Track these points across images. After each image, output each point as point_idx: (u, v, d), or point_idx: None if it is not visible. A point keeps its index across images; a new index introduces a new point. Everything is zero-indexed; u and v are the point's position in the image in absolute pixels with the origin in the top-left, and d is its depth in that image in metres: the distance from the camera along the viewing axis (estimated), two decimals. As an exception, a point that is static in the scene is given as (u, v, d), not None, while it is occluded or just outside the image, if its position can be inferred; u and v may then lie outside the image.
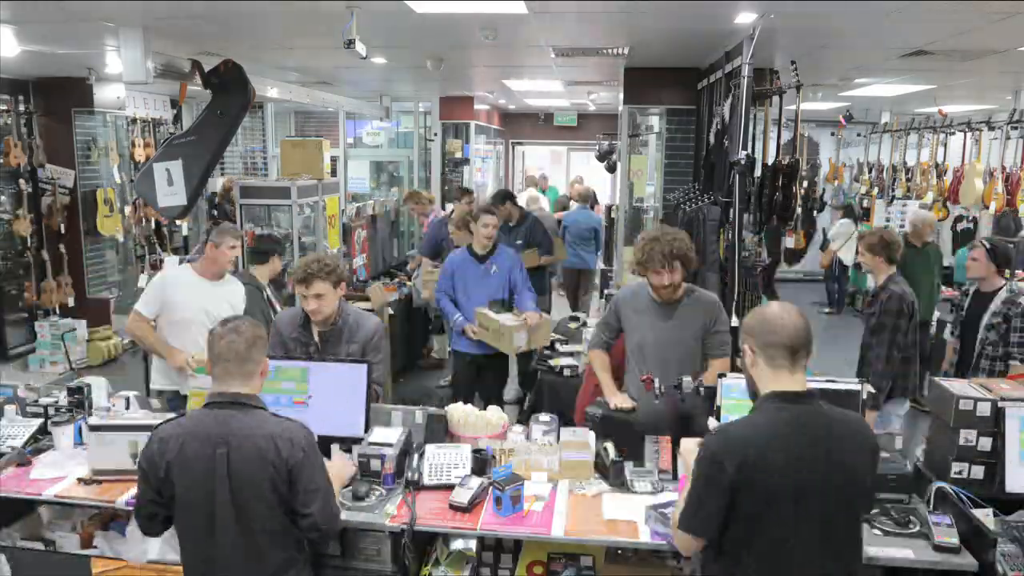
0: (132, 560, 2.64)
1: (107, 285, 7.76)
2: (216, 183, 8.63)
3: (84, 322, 7.21)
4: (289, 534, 2.19)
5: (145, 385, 4.29)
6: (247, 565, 2.14)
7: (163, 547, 2.62)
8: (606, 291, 7.14)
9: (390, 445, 2.79)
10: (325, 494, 2.20)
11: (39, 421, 3.09)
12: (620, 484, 2.79)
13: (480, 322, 4.61)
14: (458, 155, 11.21)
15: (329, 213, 5.62)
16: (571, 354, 4.91)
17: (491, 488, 2.64)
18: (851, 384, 2.74)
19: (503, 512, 2.61)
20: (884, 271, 4.05)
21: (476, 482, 2.66)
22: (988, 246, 4.31)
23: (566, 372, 4.70)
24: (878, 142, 10.21)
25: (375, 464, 2.73)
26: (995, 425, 2.54)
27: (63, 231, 7.22)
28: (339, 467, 2.66)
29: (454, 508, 2.59)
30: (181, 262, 6.02)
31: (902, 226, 8.31)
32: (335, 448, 2.86)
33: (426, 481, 2.73)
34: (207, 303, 3.88)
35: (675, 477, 2.83)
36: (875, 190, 9.78)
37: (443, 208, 8.77)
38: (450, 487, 2.70)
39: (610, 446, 3.00)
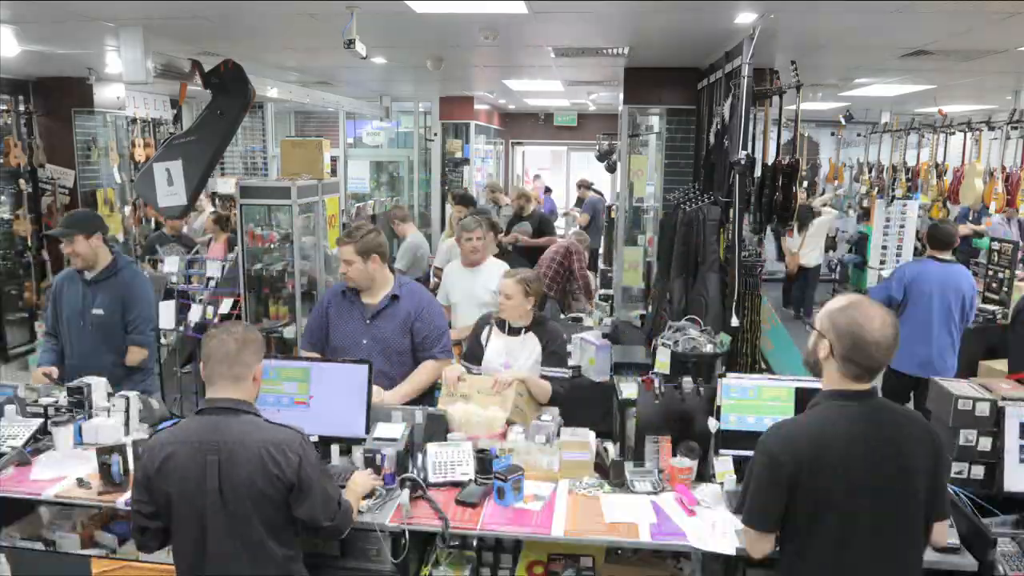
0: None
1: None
2: (216, 183, 8.64)
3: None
4: (283, 543, 2.16)
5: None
6: (239, 574, 2.12)
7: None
8: (604, 291, 7.15)
9: (394, 440, 2.80)
10: (324, 496, 2.18)
11: (39, 421, 3.09)
12: (620, 484, 2.79)
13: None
14: (458, 155, 11.21)
15: (329, 213, 5.61)
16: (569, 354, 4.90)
17: (493, 479, 2.66)
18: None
19: (505, 502, 2.63)
20: None
21: (480, 490, 2.69)
22: None
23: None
24: (878, 142, 10.21)
25: (379, 459, 2.74)
26: (995, 425, 2.54)
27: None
28: (360, 481, 2.62)
29: (461, 504, 2.62)
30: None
31: (902, 226, 8.32)
32: (357, 461, 2.85)
33: (431, 479, 2.74)
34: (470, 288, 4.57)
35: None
36: (875, 190, 9.78)
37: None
38: (455, 485, 2.71)
39: (610, 446, 3.00)
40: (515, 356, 3.56)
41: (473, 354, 3.67)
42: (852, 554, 1.95)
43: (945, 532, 2.17)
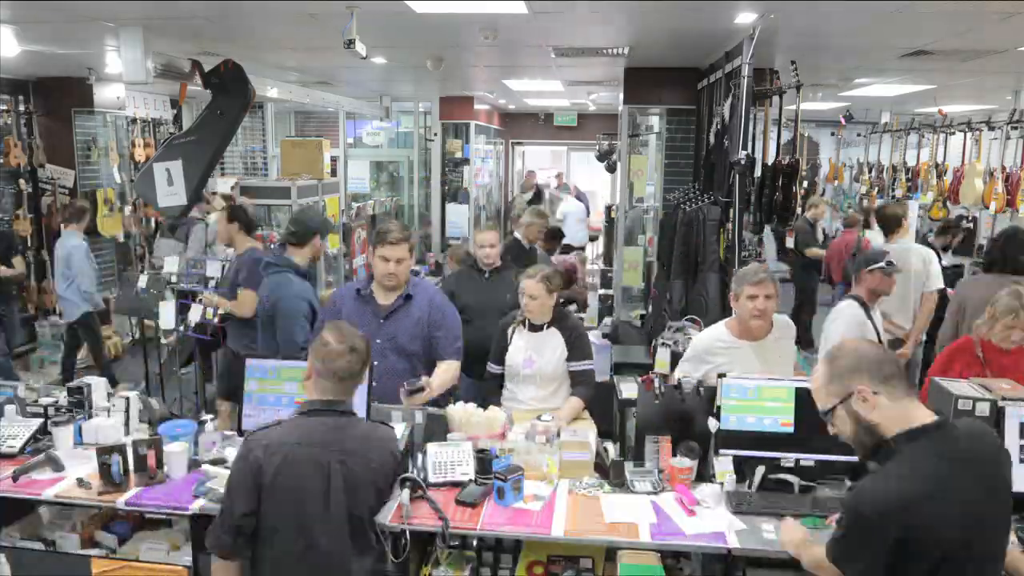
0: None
1: (107, 285, 7.76)
2: (216, 183, 8.64)
3: (84, 322, 7.21)
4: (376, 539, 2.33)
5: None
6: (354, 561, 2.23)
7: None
8: (604, 291, 7.15)
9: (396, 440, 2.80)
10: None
11: (39, 421, 3.08)
12: (620, 484, 2.79)
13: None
14: (458, 155, 11.21)
15: (329, 213, 5.62)
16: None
17: (493, 479, 2.66)
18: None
19: (505, 502, 2.63)
20: None
21: (479, 490, 2.68)
22: None
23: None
24: (878, 142, 10.22)
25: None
26: (995, 425, 2.54)
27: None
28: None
29: (461, 503, 2.62)
30: (182, 260, 6.02)
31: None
32: None
33: (431, 479, 2.74)
34: None
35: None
36: (875, 190, 9.78)
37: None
38: (455, 484, 2.71)
39: (610, 446, 3.00)
40: (540, 352, 3.59)
41: (498, 354, 3.69)
42: None
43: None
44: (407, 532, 2.50)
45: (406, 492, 2.59)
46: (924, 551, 1.67)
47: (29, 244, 7.14)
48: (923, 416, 1.77)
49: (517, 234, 5.58)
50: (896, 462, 1.74)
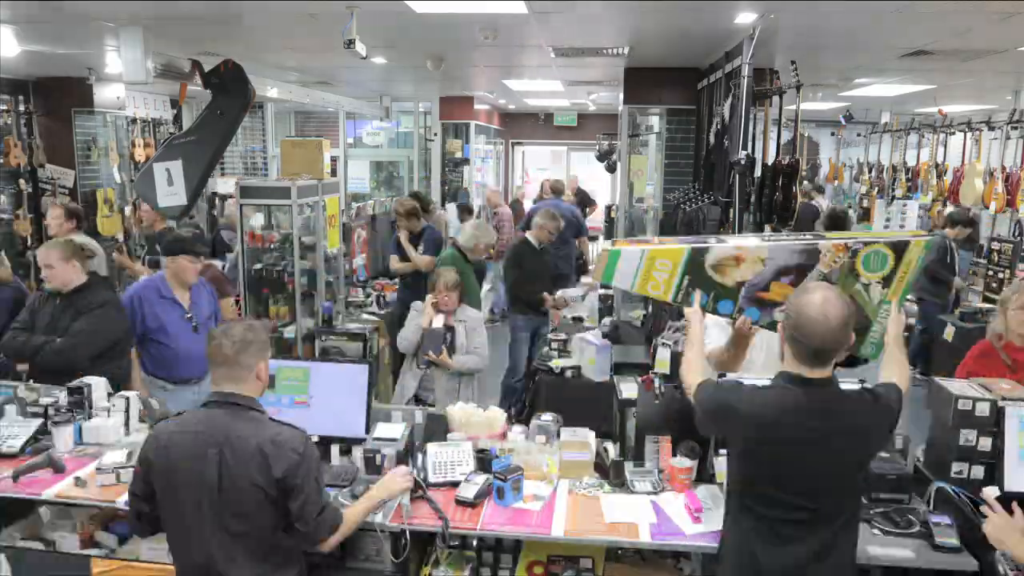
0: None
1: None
2: (216, 183, 8.64)
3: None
4: (277, 543, 2.16)
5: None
6: (232, 568, 2.10)
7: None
8: (604, 291, 7.14)
9: (394, 440, 2.80)
10: (312, 500, 2.14)
11: (39, 421, 3.08)
12: (620, 484, 2.79)
13: None
14: (458, 155, 11.21)
15: (329, 213, 5.61)
16: (571, 354, 4.91)
17: (492, 479, 2.66)
18: (850, 384, 2.74)
19: (505, 502, 2.63)
20: None
21: (482, 478, 2.67)
22: None
23: (568, 373, 4.68)
24: (878, 142, 10.22)
25: (379, 459, 2.74)
26: (995, 425, 2.54)
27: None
28: (389, 484, 2.52)
29: (461, 503, 2.61)
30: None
31: (902, 226, 8.32)
32: (357, 461, 2.85)
33: (431, 479, 2.74)
34: None
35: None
36: (875, 190, 9.79)
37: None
38: (455, 484, 2.71)
39: (610, 446, 3.00)
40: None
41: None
42: (770, 529, 2.09)
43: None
44: (407, 532, 2.50)
45: (407, 494, 2.59)
46: (736, 447, 2.17)
47: (29, 244, 7.14)
48: (811, 375, 2.05)
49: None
50: (761, 389, 2.14)
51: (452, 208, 10.96)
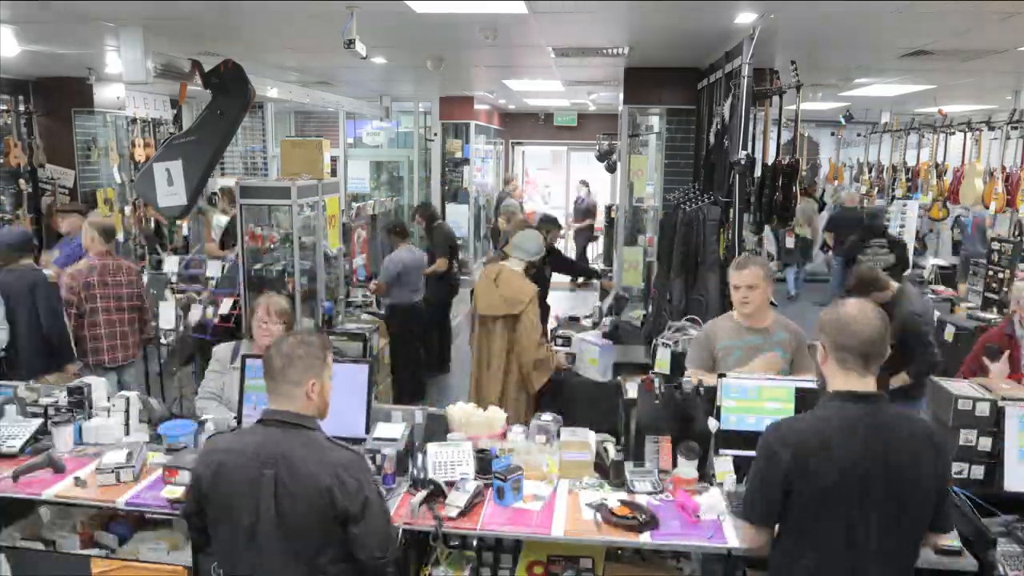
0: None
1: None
2: (216, 183, 8.64)
3: (84, 322, 7.20)
4: (334, 564, 2.06)
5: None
6: None
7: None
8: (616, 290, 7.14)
9: (394, 440, 2.80)
10: (381, 525, 2.10)
11: (39, 421, 3.08)
12: (620, 484, 2.79)
13: None
14: (458, 155, 11.22)
15: (329, 213, 5.62)
16: (571, 355, 4.90)
17: (493, 479, 2.66)
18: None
19: (505, 502, 2.63)
20: None
21: (472, 485, 2.65)
22: None
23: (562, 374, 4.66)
24: (878, 142, 10.22)
25: (379, 459, 2.73)
26: (995, 425, 2.54)
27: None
28: None
29: (448, 517, 2.54)
30: (182, 262, 6.03)
31: (902, 226, 8.33)
32: (388, 461, 2.81)
33: (427, 483, 2.73)
34: None
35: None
36: (875, 190, 9.79)
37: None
38: (455, 484, 2.70)
39: (610, 446, 3.00)
40: None
41: None
42: (849, 553, 1.97)
43: (944, 543, 2.15)
44: (401, 530, 2.50)
45: (422, 493, 2.59)
46: (802, 491, 1.98)
47: (29, 244, 7.13)
48: (863, 387, 2.00)
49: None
50: (814, 411, 2.08)
51: (451, 208, 10.98)
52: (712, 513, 2.58)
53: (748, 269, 3.23)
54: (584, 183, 12.91)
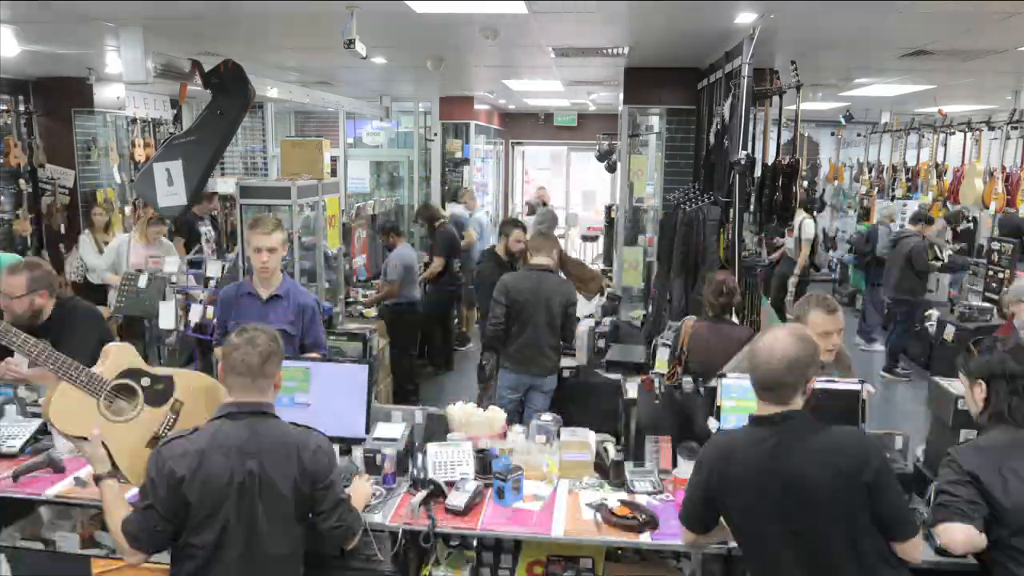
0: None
1: (107, 285, 7.76)
2: (216, 183, 8.64)
3: (84, 322, 7.19)
4: (294, 541, 2.19)
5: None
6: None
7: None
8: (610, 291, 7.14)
9: (394, 440, 2.80)
10: (340, 494, 2.23)
11: (39, 421, 3.08)
12: (620, 484, 2.79)
13: None
14: (458, 155, 11.20)
15: (329, 213, 5.62)
16: (571, 354, 4.90)
17: (493, 479, 2.66)
18: (851, 384, 2.74)
19: (505, 502, 2.63)
20: None
21: (472, 485, 2.66)
22: None
23: (565, 373, 4.66)
24: (878, 142, 10.22)
25: (380, 459, 2.74)
26: (995, 425, 2.53)
27: (63, 231, 7.21)
28: (360, 489, 2.56)
29: (451, 512, 2.57)
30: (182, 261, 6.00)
31: (902, 226, 8.33)
32: (357, 461, 2.85)
33: (427, 483, 2.73)
34: None
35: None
36: (875, 190, 9.79)
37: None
38: (454, 484, 2.71)
39: (610, 446, 3.00)
40: None
41: None
42: (781, 569, 2.05)
43: (916, 551, 2.07)
44: (401, 531, 2.50)
45: (422, 493, 2.59)
46: (725, 504, 2.14)
47: (29, 244, 7.14)
48: (768, 411, 2.10)
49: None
50: (736, 432, 2.21)
51: (451, 207, 10.96)
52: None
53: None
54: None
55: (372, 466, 2.75)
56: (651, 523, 2.49)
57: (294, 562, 2.21)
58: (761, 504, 2.04)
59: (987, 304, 6.47)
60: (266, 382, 2.19)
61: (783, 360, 2.04)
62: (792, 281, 7.56)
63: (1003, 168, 7.22)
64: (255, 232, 3.42)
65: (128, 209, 7.76)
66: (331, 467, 2.19)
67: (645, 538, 2.47)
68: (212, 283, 5.56)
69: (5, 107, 7.01)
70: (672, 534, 2.47)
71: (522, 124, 14.51)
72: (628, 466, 2.84)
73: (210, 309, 5.47)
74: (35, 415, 3.13)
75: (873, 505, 1.98)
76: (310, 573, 2.33)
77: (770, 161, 4.85)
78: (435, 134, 10.73)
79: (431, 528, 2.48)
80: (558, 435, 3.01)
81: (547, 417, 3.11)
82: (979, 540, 2.10)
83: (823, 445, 2.02)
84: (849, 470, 1.97)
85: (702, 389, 3.02)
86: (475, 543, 2.75)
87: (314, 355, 3.40)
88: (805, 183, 10.09)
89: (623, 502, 2.59)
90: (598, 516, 2.53)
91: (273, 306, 3.52)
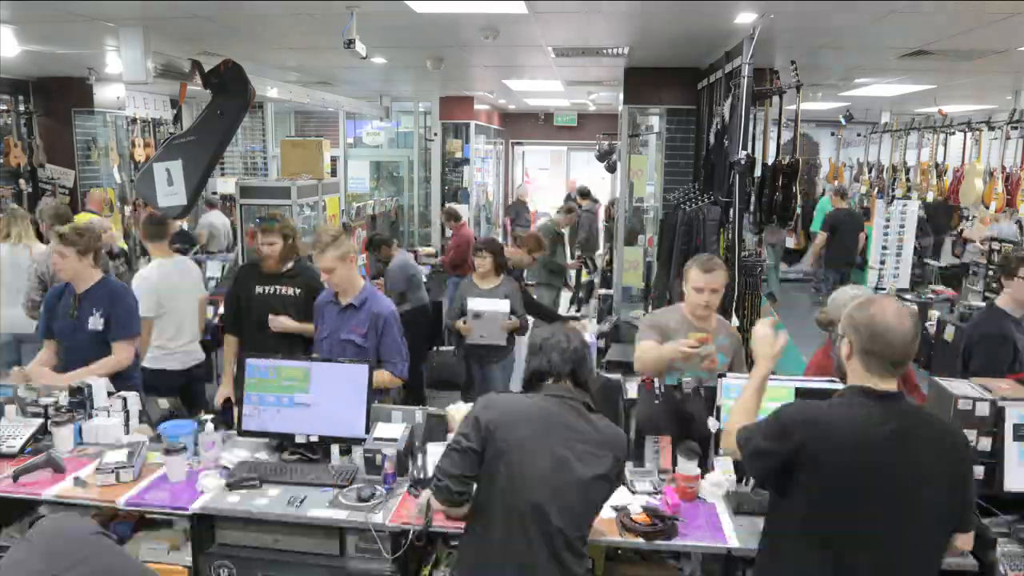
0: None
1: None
2: (216, 183, 8.65)
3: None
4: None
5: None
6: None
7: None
8: (604, 291, 7.15)
9: (394, 440, 2.80)
10: None
11: (39, 421, 3.09)
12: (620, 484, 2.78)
13: None
14: (458, 155, 11.21)
15: (329, 213, 5.63)
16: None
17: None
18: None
19: None
20: None
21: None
22: None
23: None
24: (878, 142, 10.22)
25: (380, 459, 2.73)
26: (995, 425, 2.54)
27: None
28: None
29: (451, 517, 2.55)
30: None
31: (902, 226, 8.33)
32: (357, 461, 2.86)
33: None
34: None
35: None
36: (875, 190, 9.78)
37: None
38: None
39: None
40: None
41: None
42: (851, 549, 1.89)
43: (969, 542, 2.06)
44: (403, 530, 2.50)
45: (427, 492, 2.59)
46: (811, 475, 1.91)
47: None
48: (884, 386, 1.95)
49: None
50: (833, 401, 2.00)
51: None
52: (718, 490, 2.58)
53: (715, 273, 3.08)
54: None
55: (372, 466, 2.75)
56: (670, 531, 2.48)
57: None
58: (867, 483, 1.88)
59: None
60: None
61: (911, 332, 1.93)
62: None
63: (1003, 168, 7.22)
64: (312, 251, 3.50)
65: (128, 209, 7.76)
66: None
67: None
68: (212, 283, 5.56)
69: (5, 107, 7.01)
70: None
71: (522, 124, 14.51)
72: (628, 466, 2.84)
73: (210, 309, 5.46)
74: (35, 415, 3.13)
75: (961, 493, 1.94)
76: (311, 572, 2.32)
77: (770, 161, 4.85)
78: (435, 134, 10.73)
79: (425, 528, 2.48)
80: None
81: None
82: None
83: (933, 431, 1.94)
84: (953, 459, 1.92)
85: (702, 389, 3.02)
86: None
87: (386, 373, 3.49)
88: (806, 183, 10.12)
89: (644, 508, 2.57)
90: (621, 522, 2.52)
91: (349, 316, 3.55)
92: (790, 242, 10.29)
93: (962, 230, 9.10)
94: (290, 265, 4.07)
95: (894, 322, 1.92)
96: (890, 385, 1.96)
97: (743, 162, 4.52)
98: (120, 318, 3.62)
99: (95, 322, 3.57)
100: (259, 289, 4.06)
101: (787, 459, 1.93)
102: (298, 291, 4.03)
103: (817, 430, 1.92)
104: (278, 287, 4.04)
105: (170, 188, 5.04)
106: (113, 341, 3.59)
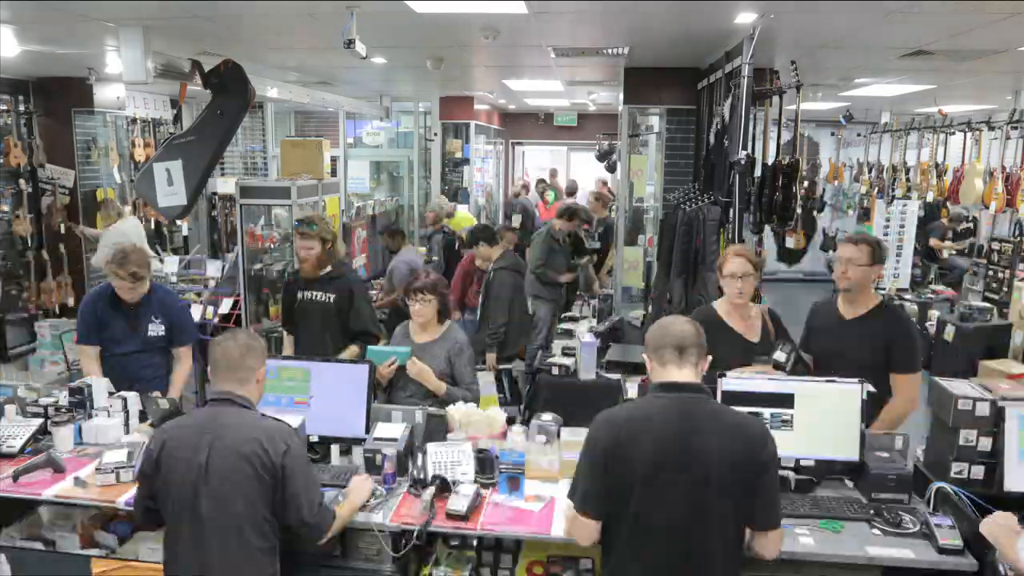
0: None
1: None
2: (216, 183, 8.64)
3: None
4: (260, 534, 2.20)
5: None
6: (224, 560, 2.16)
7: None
8: (604, 291, 7.14)
9: (394, 440, 2.80)
10: (305, 490, 2.24)
11: (39, 421, 3.09)
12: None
13: None
14: (458, 155, 11.21)
15: (329, 213, 5.62)
16: (570, 354, 4.89)
17: (499, 474, 2.72)
18: (850, 383, 2.74)
19: (515, 494, 2.68)
20: None
21: (471, 488, 2.65)
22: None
23: (554, 371, 4.61)
24: (878, 142, 10.21)
25: (380, 459, 2.74)
26: (995, 425, 2.54)
27: (63, 231, 7.22)
28: (357, 487, 2.60)
29: (452, 517, 2.55)
30: (182, 262, 6.03)
31: (902, 226, 8.33)
32: (357, 461, 2.86)
33: (431, 479, 2.73)
34: None
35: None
36: (875, 190, 9.78)
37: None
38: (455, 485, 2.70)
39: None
40: None
41: None
42: (639, 549, 2.05)
43: (775, 545, 2.12)
44: (416, 532, 2.50)
45: (430, 490, 2.59)
46: (617, 471, 2.05)
47: (29, 244, 7.14)
48: (679, 378, 2.12)
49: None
50: (633, 400, 2.26)
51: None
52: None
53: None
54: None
55: (372, 466, 2.75)
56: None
57: (257, 545, 2.19)
58: (659, 469, 2.02)
59: (987, 304, 6.46)
60: (247, 374, 2.32)
61: (693, 325, 2.17)
62: None
63: (1003, 168, 7.22)
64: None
65: (128, 209, 7.76)
66: (287, 454, 2.20)
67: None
68: (212, 283, 5.57)
69: (5, 107, 7.01)
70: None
71: (522, 124, 14.51)
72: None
73: (210, 309, 5.48)
74: (35, 415, 3.13)
75: (750, 488, 2.03)
76: (312, 573, 2.33)
77: (770, 161, 4.85)
78: (435, 134, 10.73)
79: (424, 527, 2.48)
80: (558, 435, 3.00)
81: (547, 417, 3.11)
82: None
83: (724, 422, 2.07)
84: (738, 450, 2.03)
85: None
86: (475, 543, 2.74)
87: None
88: (805, 183, 10.10)
89: None
90: None
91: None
92: (790, 242, 10.28)
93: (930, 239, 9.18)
94: (328, 269, 4.10)
95: (667, 321, 2.21)
96: (686, 374, 2.12)
97: (743, 162, 4.52)
98: (183, 325, 3.84)
99: (155, 328, 3.70)
100: (299, 295, 4.15)
101: (601, 464, 2.07)
102: (331, 297, 4.06)
103: (615, 426, 2.09)
104: (315, 293, 4.10)
105: (170, 188, 5.04)
106: (179, 347, 3.79)
